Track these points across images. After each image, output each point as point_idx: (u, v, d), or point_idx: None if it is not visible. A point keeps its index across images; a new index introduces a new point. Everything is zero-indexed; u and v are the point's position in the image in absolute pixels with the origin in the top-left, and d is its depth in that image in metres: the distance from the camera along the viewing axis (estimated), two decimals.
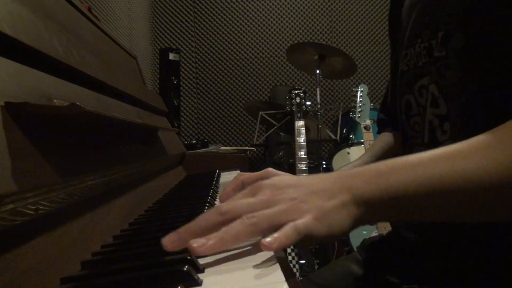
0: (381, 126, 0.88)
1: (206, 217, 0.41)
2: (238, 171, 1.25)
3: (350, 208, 0.41)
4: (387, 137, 0.84)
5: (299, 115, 1.99)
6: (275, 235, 0.37)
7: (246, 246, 0.43)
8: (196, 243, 0.37)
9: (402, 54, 0.66)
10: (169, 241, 0.39)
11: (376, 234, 1.94)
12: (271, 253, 0.39)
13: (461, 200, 0.41)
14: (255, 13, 3.31)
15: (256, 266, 0.37)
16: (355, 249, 2.07)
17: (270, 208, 0.40)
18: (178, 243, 0.39)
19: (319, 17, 3.36)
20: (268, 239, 0.37)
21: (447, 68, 0.55)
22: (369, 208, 0.41)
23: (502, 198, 0.40)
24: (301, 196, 0.41)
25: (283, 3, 3.32)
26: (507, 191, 0.39)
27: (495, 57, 0.49)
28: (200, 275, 0.34)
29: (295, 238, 0.38)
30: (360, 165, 0.82)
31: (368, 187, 0.41)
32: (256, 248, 0.42)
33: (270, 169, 0.74)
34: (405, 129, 0.69)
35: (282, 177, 0.45)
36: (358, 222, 0.41)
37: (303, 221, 0.39)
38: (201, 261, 0.38)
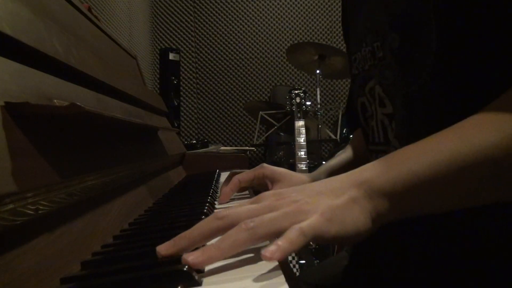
0: (352, 122, 0.88)
1: (203, 223, 0.38)
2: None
3: (362, 202, 0.38)
4: (358, 135, 0.85)
5: (299, 115, 1.99)
6: (278, 242, 0.33)
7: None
8: (191, 256, 0.34)
9: (352, 58, 0.67)
10: (164, 249, 0.37)
11: None
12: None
13: (474, 178, 0.39)
14: (255, 13, 3.31)
15: (256, 266, 0.37)
16: None
17: (271, 213, 0.37)
18: (172, 250, 0.37)
19: (319, 17, 3.36)
20: (270, 248, 0.33)
21: (386, 68, 0.55)
22: (384, 200, 0.38)
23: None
24: (305, 198, 0.38)
25: (283, 3, 3.32)
26: None
27: (428, 54, 0.49)
28: (200, 275, 0.34)
29: (301, 242, 0.34)
30: (347, 156, 0.83)
31: (380, 177, 0.39)
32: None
33: (265, 164, 0.74)
34: (364, 129, 0.70)
35: (287, 188, 0.42)
36: (375, 218, 0.38)
37: (308, 222, 0.35)
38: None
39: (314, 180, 0.75)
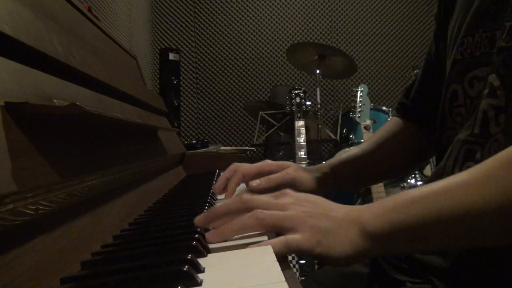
0: (399, 111, 0.85)
1: (231, 202, 0.48)
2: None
3: (354, 239, 0.44)
4: (392, 125, 0.84)
5: (299, 115, 1.99)
6: (262, 243, 0.42)
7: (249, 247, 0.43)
8: (210, 234, 0.45)
9: (457, 42, 0.65)
10: (199, 220, 0.48)
11: None
12: (271, 253, 0.39)
13: (463, 231, 0.43)
14: (255, 13, 3.31)
15: (256, 266, 0.37)
16: None
17: (281, 212, 0.45)
18: (205, 221, 0.48)
19: (319, 17, 3.36)
20: (255, 244, 0.42)
21: None
22: (373, 241, 0.44)
23: (503, 225, 0.42)
24: (313, 213, 0.45)
25: (283, 3, 3.32)
26: (504, 218, 0.41)
27: None
28: (200, 275, 0.34)
29: (281, 249, 0.41)
30: (360, 153, 0.83)
31: (374, 222, 0.45)
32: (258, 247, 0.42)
33: (269, 161, 0.75)
34: (445, 119, 0.67)
35: (306, 194, 0.50)
36: (359, 253, 0.44)
37: (297, 237, 0.42)
38: (202, 261, 0.38)
39: (317, 175, 0.79)
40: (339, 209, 0.47)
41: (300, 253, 0.43)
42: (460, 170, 0.58)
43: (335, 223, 0.45)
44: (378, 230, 0.44)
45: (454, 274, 0.58)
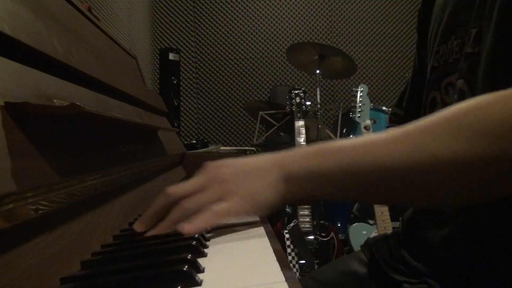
0: (392, 122, 0.88)
1: (156, 201, 0.49)
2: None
3: (278, 185, 0.46)
4: None
5: (299, 115, 1.99)
6: (194, 220, 0.44)
7: (248, 246, 0.43)
8: (139, 226, 0.49)
9: (433, 50, 0.67)
10: (137, 226, 0.49)
11: (376, 234, 1.94)
12: (271, 253, 0.39)
13: (373, 186, 0.45)
14: (255, 13, 3.31)
15: (256, 266, 0.37)
16: (354, 249, 2.07)
17: (201, 194, 0.47)
18: (143, 227, 0.49)
19: (319, 17, 3.36)
20: (185, 225, 0.44)
21: (478, 65, 0.56)
22: (298, 184, 0.46)
23: (410, 185, 0.44)
24: (231, 179, 0.47)
25: (283, 3, 3.32)
26: (413, 181, 0.43)
27: None
28: (200, 275, 0.34)
29: (214, 220, 0.44)
30: None
31: (296, 165, 0.47)
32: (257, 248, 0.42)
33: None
34: None
35: (222, 161, 0.51)
36: (286, 197, 0.47)
37: (224, 205, 0.45)
38: (202, 260, 0.38)
39: None
40: (258, 159, 0.49)
41: (235, 216, 0.46)
42: None
43: (254, 175, 0.47)
44: (300, 172, 0.46)
45: (448, 276, 0.58)
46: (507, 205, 0.50)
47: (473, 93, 0.57)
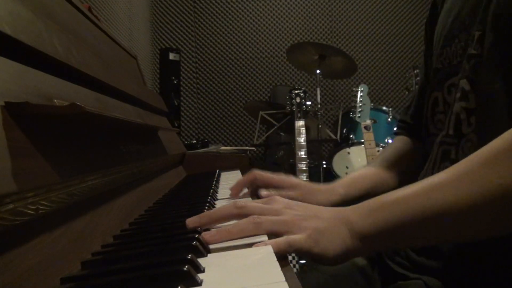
0: (401, 128, 0.89)
1: (224, 207, 0.49)
2: (239, 171, 1.25)
3: (345, 239, 0.47)
4: (399, 144, 0.87)
5: (299, 115, 1.99)
6: (267, 242, 0.42)
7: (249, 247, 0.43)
8: (208, 234, 0.45)
9: (437, 52, 0.69)
10: (191, 222, 0.48)
11: None
12: (272, 253, 0.39)
13: (442, 228, 0.46)
14: (255, 13, 3.31)
15: (257, 266, 0.37)
16: None
17: (276, 216, 0.47)
18: (197, 224, 0.48)
19: (320, 17, 3.36)
20: (260, 244, 0.42)
21: (480, 65, 0.58)
22: (362, 240, 0.47)
23: (477, 220, 0.44)
24: (305, 216, 0.47)
25: (283, 3, 3.32)
26: (484, 213, 0.43)
27: None
28: (200, 275, 0.34)
29: (284, 249, 0.43)
30: (368, 172, 0.85)
31: (361, 222, 0.47)
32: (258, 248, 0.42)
33: (284, 177, 0.75)
34: (428, 126, 0.71)
35: (296, 201, 0.52)
36: (350, 252, 0.47)
37: (297, 237, 0.44)
38: (202, 261, 0.38)
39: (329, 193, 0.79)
40: (328, 211, 0.50)
41: (300, 252, 0.45)
42: (438, 170, 0.62)
43: (327, 223, 0.47)
44: (365, 230, 0.47)
45: (447, 272, 0.60)
46: None
47: (476, 92, 0.58)
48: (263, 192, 0.71)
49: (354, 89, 2.12)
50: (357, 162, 2.39)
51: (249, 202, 0.49)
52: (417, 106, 0.84)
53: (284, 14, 3.33)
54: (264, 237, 0.45)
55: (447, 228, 0.46)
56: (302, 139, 1.93)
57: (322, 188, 0.79)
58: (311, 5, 3.34)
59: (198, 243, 0.41)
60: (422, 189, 0.47)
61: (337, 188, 0.80)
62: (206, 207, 0.62)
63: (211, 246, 0.44)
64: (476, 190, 0.43)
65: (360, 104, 2.06)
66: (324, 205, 0.78)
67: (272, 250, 0.40)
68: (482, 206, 0.43)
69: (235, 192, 0.75)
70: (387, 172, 0.83)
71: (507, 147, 0.43)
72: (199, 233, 0.46)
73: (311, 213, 0.48)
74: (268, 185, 0.74)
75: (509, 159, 0.42)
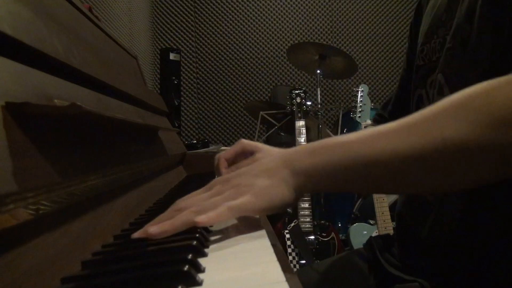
0: (376, 121, 0.92)
1: (165, 214, 0.47)
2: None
3: (289, 180, 0.46)
4: None
5: (299, 115, 1.99)
6: (209, 213, 0.43)
7: (250, 247, 0.43)
8: (151, 228, 0.44)
9: (419, 49, 0.71)
10: (136, 235, 0.46)
11: (377, 234, 1.94)
12: (272, 253, 0.39)
13: (387, 176, 0.45)
14: (256, 13, 3.31)
15: (257, 266, 0.37)
16: (355, 249, 2.07)
17: (214, 197, 0.46)
18: (142, 235, 0.46)
19: (320, 17, 3.36)
20: (201, 216, 0.43)
21: (453, 58, 0.59)
22: (307, 178, 0.46)
23: (420, 172, 0.43)
24: (243, 182, 0.47)
25: (283, 3, 3.32)
26: (423, 167, 0.43)
27: (496, 47, 0.53)
28: (201, 275, 0.34)
29: (227, 215, 0.43)
30: None
31: (304, 160, 0.47)
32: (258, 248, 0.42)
33: (243, 140, 0.75)
34: None
35: (236, 165, 0.53)
36: (298, 190, 0.47)
37: (236, 201, 0.44)
38: (202, 260, 0.38)
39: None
40: (268, 160, 0.49)
41: (246, 212, 0.45)
42: None
43: (266, 175, 0.47)
44: (306, 168, 0.46)
45: (442, 274, 0.60)
46: (491, 190, 0.51)
47: (449, 86, 0.59)
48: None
49: (354, 89, 2.11)
50: None
51: (188, 198, 0.49)
52: (396, 102, 0.86)
53: (284, 14, 3.33)
54: (262, 231, 0.46)
55: (388, 177, 0.45)
56: (302, 139, 1.92)
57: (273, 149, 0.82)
58: (311, 5, 3.34)
59: (198, 243, 0.41)
60: (367, 135, 0.46)
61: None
62: None
63: (210, 247, 0.43)
64: (421, 142, 0.42)
65: (361, 104, 2.06)
66: None
67: (272, 251, 0.40)
68: (425, 158, 0.42)
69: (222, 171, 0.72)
70: None
71: (455, 103, 0.43)
72: (200, 233, 0.46)
73: (249, 174, 0.48)
74: (235, 159, 0.70)
75: (454, 115, 0.42)
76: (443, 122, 0.42)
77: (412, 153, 0.42)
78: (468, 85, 0.56)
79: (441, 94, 0.61)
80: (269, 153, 0.53)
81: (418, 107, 0.70)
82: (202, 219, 0.43)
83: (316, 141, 0.49)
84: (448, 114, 0.42)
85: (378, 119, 0.91)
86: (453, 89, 0.58)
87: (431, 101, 0.65)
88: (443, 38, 0.63)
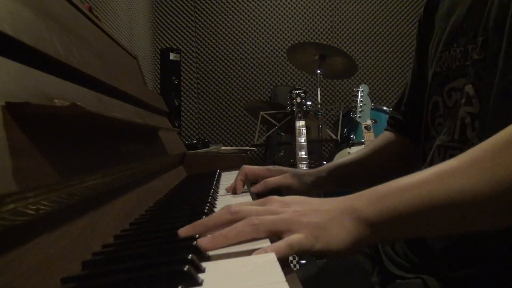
0: (391, 125, 0.90)
1: (218, 214, 0.46)
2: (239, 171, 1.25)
3: (349, 228, 0.44)
4: (385, 138, 0.89)
5: (299, 115, 1.99)
6: (268, 248, 0.40)
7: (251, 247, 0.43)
8: (204, 240, 0.42)
9: (436, 56, 0.70)
10: (184, 232, 0.46)
11: None
12: (272, 253, 0.39)
13: (455, 216, 0.44)
14: (256, 13, 3.31)
15: (257, 266, 0.37)
16: None
17: (274, 215, 0.44)
18: (191, 234, 0.45)
19: (320, 17, 3.36)
20: (260, 250, 0.40)
21: (484, 70, 0.58)
22: (369, 228, 0.45)
23: (497, 208, 0.42)
24: (304, 211, 0.45)
25: (283, 3, 3.32)
26: (499, 202, 0.42)
27: None
28: (201, 275, 0.34)
29: (286, 252, 0.41)
30: (356, 158, 0.89)
31: (368, 208, 0.45)
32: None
33: (271, 167, 0.79)
34: (428, 129, 0.72)
35: (292, 196, 0.49)
36: (358, 241, 0.44)
37: (298, 237, 0.42)
38: (202, 261, 0.38)
39: (314, 177, 0.85)
40: (329, 202, 0.47)
41: (302, 252, 0.43)
42: None
43: (328, 215, 0.45)
44: (372, 216, 0.44)
45: (444, 271, 0.60)
46: None
47: (479, 97, 0.59)
48: (254, 187, 0.73)
49: (354, 89, 2.12)
50: None
51: (243, 206, 0.47)
52: (409, 103, 0.85)
53: (284, 14, 3.33)
54: (266, 242, 0.43)
55: (459, 216, 0.44)
56: (302, 139, 1.92)
57: (306, 171, 0.85)
58: (312, 5, 3.34)
59: (198, 243, 0.41)
60: (433, 175, 0.45)
61: (321, 171, 0.86)
62: (207, 207, 0.62)
63: (210, 253, 0.41)
64: (490, 176, 0.41)
65: (361, 104, 2.06)
66: (309, 186, 0.84)
67: (270, 244, 0.40)
68: (497, 193, 0.41)
69: (233, 192, 0.79)
70: (372, 159, 0.87)
71: None
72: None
73: (310, 207, 0.46)
74: (257, 178, 0.78)
75: None
76: (510, 155, 0.41)
77: (482, 189, 0.41)
78: (498, 100, 0.56)
79: (470, 105, 0.60)
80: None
81: (433, 114, 0.70)
82: (260, 251, 0.40)
83: (377, 186, 0.47)
84: None
85: (393, 123, 0.89)
86: (482, 101, 0.58)
87: (449, 109, 0.65)
88: (465, 47, 0.63)
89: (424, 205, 0.43)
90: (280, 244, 0.41)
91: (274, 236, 0.44)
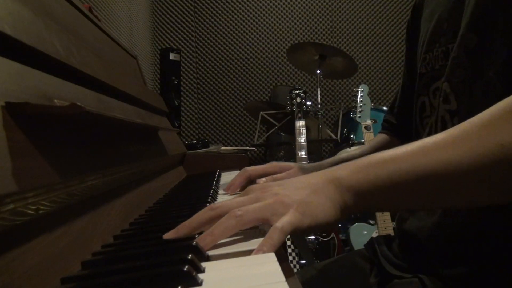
0: (385, 128, 0.93)
1: (200, 213, 0.45)
2: (239, 171, 1.25)
3: (334, 197, 0.44)
4: (384, 138, 0.91)
5: (299, 115, 1.99)
6: (263, 242, 0.40)
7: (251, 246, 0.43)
8: (202, 240, 0.41)
9: (421, 57, 0.71)
10: (168, 236, 0.45)
11: (377, 234, 1.94)
12: (272, 253, 0.39)
13: (440, 189, 0.43)
14: (256, 13, 3.31)
15: (257, 266, 0.37)
16: (355, 249, 2.07)
17: (255, 203, 0.44)
18: (174, 237, 0.45)
19: (320, 17, 3.36)
20: (258, 248, 0.39)
21: (458, 67, 0.59)
22: (353, 195, 0.44)
23: (477, 183, 0.42)
24: (284, 191, 0.44)
25: (283, 3, 3.32)
26: (480, 177, 0.41)
27: (501, 55, 0.53)
28: (201, 275, 0.34)
29: (281, 237, 0.40)
30: (358, 154, 0.90)
31: (351, 177, 0.45)
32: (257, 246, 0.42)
33: (275, 163, 0.79)
34: (418, 130, 0.72)
35: (271, 180, 0.48)
36: (344, 210, 0.44)
37: (286, 219, 0.41)
38: (202, 261, 0.38)
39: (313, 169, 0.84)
40: (311, 176, 0.47)
41: (296, 231, 0.42)
42: None
43: (310, 189, 0.44)
44: (356, 184, 0.44)
45: (441, 271, 0.60)
46: None
47: (455, 94, 0.60)
48: (259, 181, 0.72)
49: (354, 89, 2.11)
50: None
51: (223, 201, 0.46)
52: (401, 107, 0.87)
53: (284, 14, 3.33)
54: (260, 238, 0.43)
55: (443, 189, 0.43)
56: (302, 139, 1.92)
57: (311, 165, 0.84)
58: (311, 5, 3.34)
59: (198, 243, 0.41)
60: (419, 147, 0.44)
61: (324, 164, 0.86)
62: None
63: (210, 253, 0.41)
64: (477, 150, 0.41)
65: (361, 104, 2.06)
66: None
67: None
68: (482, 166, 0.40)
69: (231, 192, 0.77)
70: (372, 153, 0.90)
71: (508, 109, 0.41)
72: (200, 233, 0.45)
73: (291, 186, 0.45)
74: (263, 176, 0.76)
75: (509, 120, 0.40)
76: (499, 128, 0.40)
77: (467, 162, 0.41)
78: (474, 94, 0.56)
79: (447, 103, 0.61)
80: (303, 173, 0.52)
81: (421, 115, 0.71)
82: (259, 249, 0.39)
83: (359, 158, 0.47)
84: (504, 119, 0.41)
85: (388, 126, 0.90)
86: (459, 98, 0.59)
87: (435, 109, 0.65)
88: (446, 47, 0.63)
89: (408, 175, 0.43)
90: (272, 233, 0.40)
91: (264, 225, 0.43)
